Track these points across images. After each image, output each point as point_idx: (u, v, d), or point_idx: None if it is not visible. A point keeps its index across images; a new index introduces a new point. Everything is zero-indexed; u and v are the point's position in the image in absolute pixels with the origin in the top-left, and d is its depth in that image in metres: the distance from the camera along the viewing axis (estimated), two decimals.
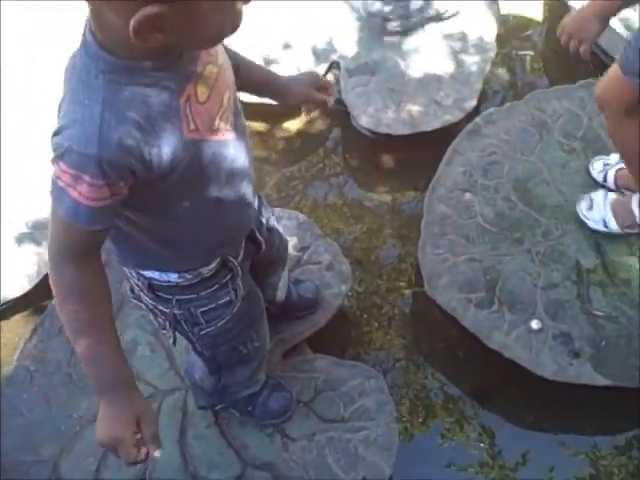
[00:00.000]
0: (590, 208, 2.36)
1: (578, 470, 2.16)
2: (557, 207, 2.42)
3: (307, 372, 2.20)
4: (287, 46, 3.03)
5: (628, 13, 2.69)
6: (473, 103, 2.82)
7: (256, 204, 1.57)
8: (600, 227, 2.35)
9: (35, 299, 2.48)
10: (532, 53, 3.20)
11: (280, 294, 2.09)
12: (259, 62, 2.95)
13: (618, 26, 2.77)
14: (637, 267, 2.28)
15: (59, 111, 1.13)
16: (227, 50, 1.32)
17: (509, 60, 3.19)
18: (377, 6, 3.02)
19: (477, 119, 2.69)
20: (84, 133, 1.07)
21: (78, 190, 1.09)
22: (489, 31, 3.04)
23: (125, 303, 2.26)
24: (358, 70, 2.95)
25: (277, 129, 2.98)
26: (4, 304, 2.46)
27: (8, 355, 2.35)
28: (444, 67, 2.93)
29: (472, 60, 2.94)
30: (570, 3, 2.95)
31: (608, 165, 2.42)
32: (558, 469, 2.16)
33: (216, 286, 1.55)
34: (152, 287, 1.52)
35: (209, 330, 1.63)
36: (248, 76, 1.49)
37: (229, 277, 1.57)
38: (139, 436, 1.25)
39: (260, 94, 1.67)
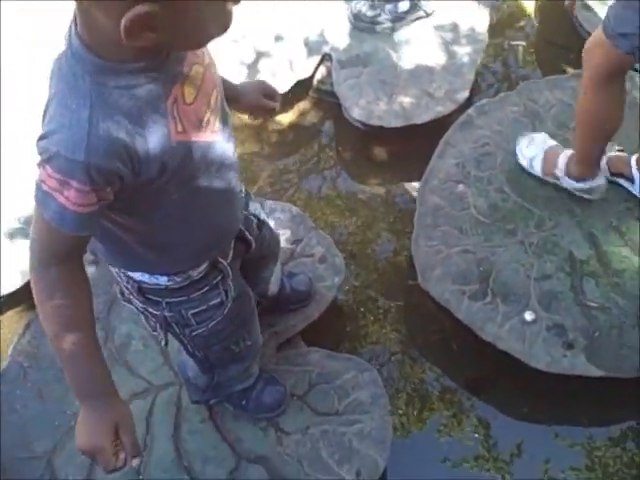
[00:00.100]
0: (528, 146, 2.46)
1: (573, 461, 2.16)
2: (550, 198, 2.42)
3: (301, 365, 2.20)
4: (279, 38, 3.02)
5: None
6: (465, 94, 2.81)
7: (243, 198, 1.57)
8: (525, 164, 2.47)
9: (28, 295, 2.41)
10: (524, 43, 3.19)
11: (273, 288, 2.08)
12: (251, 54, 2.96)
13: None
14: (630, 258, 2.28)
15: (45, 115, 1.12)
16: None
17: (501, 51, 3.18)
18: (365, 9, 3.01)
19: (469, 110, 2.68)
20: (72, 138, 1.06)
21: (65, 195, 1.08)
22: (481, 22, 3.03)
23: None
24: (350, 62, 2.94)
25: (269, 122, 2.97)
26: None
27: (1, 351, 2.34)
28: (436, 58, 2.92)
29: (464, 51, 2.93)
30: None
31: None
32: (553, 460, 2.16)
33: (206, 288, 1.55)
34: (142, 290, 1.52)
35: (200, 331, 1.62)
36: None
37: (219, 278, 1.56)
38: (119, 443, 1.26)
39: None
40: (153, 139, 1.11)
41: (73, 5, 1.03)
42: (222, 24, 1.06)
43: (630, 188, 2.37)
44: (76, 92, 1.07)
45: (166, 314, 1.56)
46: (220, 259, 1.54)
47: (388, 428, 2.07)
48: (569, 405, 2.23)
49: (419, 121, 2.75)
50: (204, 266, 1.51)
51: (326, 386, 2.14)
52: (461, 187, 2.48)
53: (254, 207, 1.75)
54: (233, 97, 1.60)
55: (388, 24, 3.00)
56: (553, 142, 2.47)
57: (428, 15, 3.04)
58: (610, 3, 1.92)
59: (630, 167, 2.35)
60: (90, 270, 2.21)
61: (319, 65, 3.00)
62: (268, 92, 1.67)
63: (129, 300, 1.58)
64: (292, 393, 2.12)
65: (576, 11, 1.92)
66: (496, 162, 2.52)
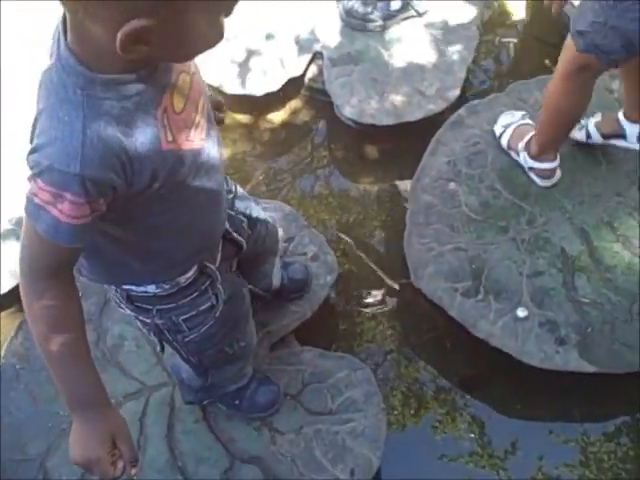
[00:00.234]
0: (505, 116, 2.57)
1: (568, 457, 2.17)
2: (541, 195, 2.42)
3: (294, 365, 2.20)
4: (270, 36, 3.02)
5: None
6: (456, 92, 2.81)
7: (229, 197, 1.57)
8: (497, 131, 2.55)
9: (19, 297, 2.44)
10: (516, 41, 3.19)
11: (275, 281, 2.09)
12: (242, 53, 2.96)
13: None
14: (622, 253, 2.28)
15: (34, 128, 1.10)
16: None
17: (493, 48, 3.18)
18: (357, 5, 3.01)
19: (460, 110, 2.68)
20: (65, 150, 1.05)
21: (59, 208, 1.08)
22: (472, 19, 3.03)
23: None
24: (341, 60, 2.94)
25: (261, 120, 2.97)
26: None
27: None
28: (427, 56, 2.92)
29: (455, 49, 2.93)
30: None
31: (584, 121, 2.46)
32: (547, 456, 2.16)
33: (196, 293, 1.54)
34: (130, 298, 1.52)
35: (193, 337, 1.62)
36: None
37: (208, 283, 1.55)
38: (115, 453, 1.25)
39: None
40: (144, 148, 1.11)
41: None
42: (215, 37, 1.06)
43: (625, 144, 2.40)
44: (68, 104, 1.05)
45: (157, 321, 1.55)
46: (208, 263, 1.53)
47: (382, 426, 2.07)
48: (563, 401, 2.23)
49: (411, 119, 2.75)
50: (192, 272, 1.50)
51: (319, 385, 2.14)
52: (453, 185, 2.48)
53: (244, 206, 1.74)
54: None
55: (379, 22, 2.99)
56: (530, 122, 2.51)
57: (420, 15, 3.04)
58: None
59: (619, 122, 2.38)
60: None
61: (310, 63, 2.99)
62: (214, 103, 1.62)
63: (121, 307, 1.58)
64: (285, 392, 2.12)
65: (556, 12, 1.93)
66: (487, 160, 2.52)
